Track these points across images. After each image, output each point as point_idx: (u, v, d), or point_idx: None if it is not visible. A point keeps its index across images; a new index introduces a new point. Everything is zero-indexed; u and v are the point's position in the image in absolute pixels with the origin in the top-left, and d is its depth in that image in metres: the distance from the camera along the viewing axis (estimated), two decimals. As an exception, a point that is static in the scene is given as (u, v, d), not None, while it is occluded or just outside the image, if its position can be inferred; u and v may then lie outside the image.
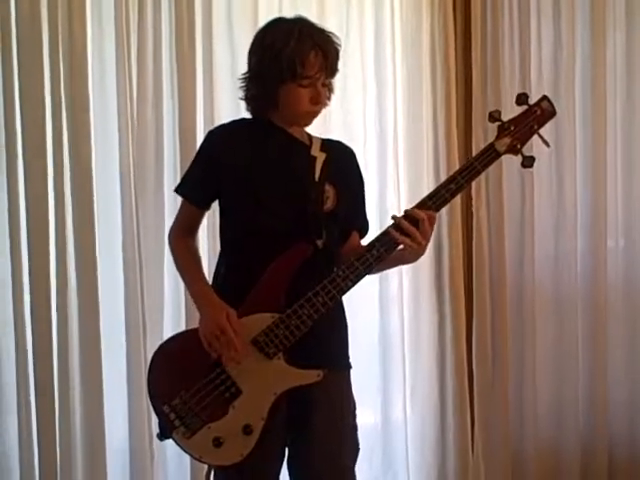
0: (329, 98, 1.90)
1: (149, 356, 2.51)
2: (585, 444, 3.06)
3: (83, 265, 2.54)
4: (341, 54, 2.69)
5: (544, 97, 1.83)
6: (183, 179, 2.00)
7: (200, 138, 2.58)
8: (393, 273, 2.82)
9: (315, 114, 1.88)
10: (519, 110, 1.83)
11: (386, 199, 2.84)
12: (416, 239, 1.77)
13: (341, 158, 1.96)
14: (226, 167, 1.87)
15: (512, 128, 1.81)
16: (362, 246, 1.93)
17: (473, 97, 2.88)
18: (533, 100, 1.84)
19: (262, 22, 1.95)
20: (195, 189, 1.95)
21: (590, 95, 2.98)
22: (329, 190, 1.87)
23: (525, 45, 2.89)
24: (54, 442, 2.54)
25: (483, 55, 2.86)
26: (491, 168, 1.86)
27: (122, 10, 2.54)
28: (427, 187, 2.86)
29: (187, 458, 2.64)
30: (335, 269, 1.80)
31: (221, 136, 1.93)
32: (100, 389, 2.57)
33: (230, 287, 1.88)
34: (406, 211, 1.79)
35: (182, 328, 2.58)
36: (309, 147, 1.91)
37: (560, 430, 3.05)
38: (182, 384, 1.81)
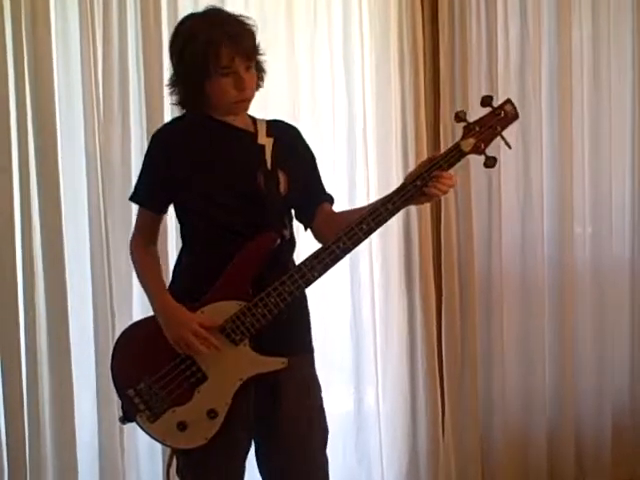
0: (261, 79, 1.89)
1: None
2: (552, 429, 3.11)
3: (50, 255, 2.50)
4: (308, 44, 2.78)
5: (507, 100, 1.85)
6: (136, 187, 1.99)
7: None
8: (364, 259, 2.83)
9: (246, 100, 1.86)
10: (484, 109, 1.84)
11: (355, 187, 2.85)
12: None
13: (288, 140, 1.95)
14: (173, 170, 1.87)
15: (477, 129, 1.82)
16: (337, 215, 1.96)
17: (441, 82, 2.88)
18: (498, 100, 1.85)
19: (229, 4, 1.94)
20: (150, 196, 1.95)
21: (557, 80, 3.00)
22: (281, 176, 1.88)
23: (492, 31, 2.91)
24: (23, 437, 2.51)
25: (450, 42, 2.87)
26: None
27: (87, 4, 2.49)
28: (396, 174, 2.88)
29: (159, 452, 2.64)
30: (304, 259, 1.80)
31: (165, 139, 1.93)
32: (70, 383, 2.55)
33: (191, 282, 1.89)
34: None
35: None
36: (255, 135, 1.90)
37: (528, 415, 3.09)
38: (147, 368, 1.83)
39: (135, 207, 2.55)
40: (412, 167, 2.81)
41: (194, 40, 1.77)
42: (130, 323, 2.00)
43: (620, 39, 3.12)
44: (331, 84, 2.83)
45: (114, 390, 2.49)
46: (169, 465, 1.94)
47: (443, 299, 2.94)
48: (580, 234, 3.12)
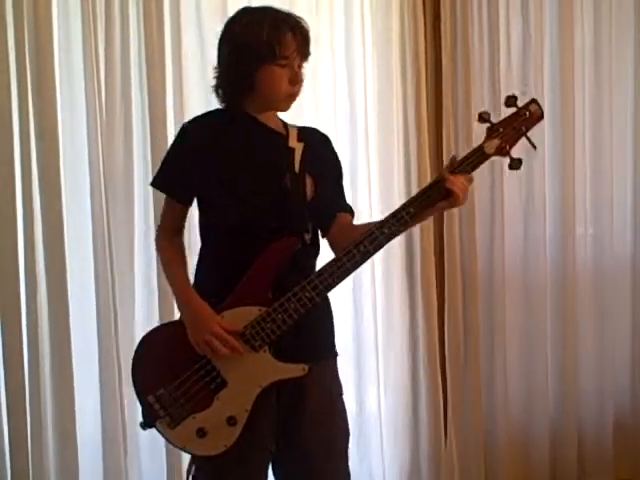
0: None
1: (120, 349, 2.55)
2: (554, 429, 3.11)
3: (52, 257, 2.50)
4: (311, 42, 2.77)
5: (533, 100, 1.81)
6: (163, 176, 1.94)
7: (170, 129, 2.57)
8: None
9: (294, 96, 1.86)
10: (508, 110, 1.81)
11: (357, 186, 2.84)
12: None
13: (318, 147, 1.94)
14: (203, 163, 1.84)
15: (501, 130, 1.79)
16: (355, 227, 1.94)
17: (443, 83, 2.88)
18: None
19: (231, 11, 1.92)
20: (177, 186, 1.90)
21: (559, 82, 3.00)
22: (307, 181, 1.87)
23: (494, 32, 2.91)
24: (26, 438, 2.51)
25: (452, 43, 2.87)
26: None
27: (89, 14, 2.49)
28: (397, 175, 2.88)
29: (162, 452, 2.64)
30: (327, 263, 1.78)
31: (195, 131, 1.89)
32: (71, 383, 2.54)
33: (212, 284, 1.86)
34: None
35: (154, 317, 2.59)
36: (286, 138, 1.89)
37: (530, 415, 3.09)
38: (167, 375, 1.81)
39: (138, 211, 2.61)
40: (414, 167, 2.84)
41: (260, 26, 1.76)
42: (150, 329, 1.96)
43: (622, 39, 3.12)
44: (333, 85, 2.83)
45: (117, 390, 2.56)
46: (189, 472, 1.90)
47: (445, 299, 2.94)
48: (582, 235, 3.12)
